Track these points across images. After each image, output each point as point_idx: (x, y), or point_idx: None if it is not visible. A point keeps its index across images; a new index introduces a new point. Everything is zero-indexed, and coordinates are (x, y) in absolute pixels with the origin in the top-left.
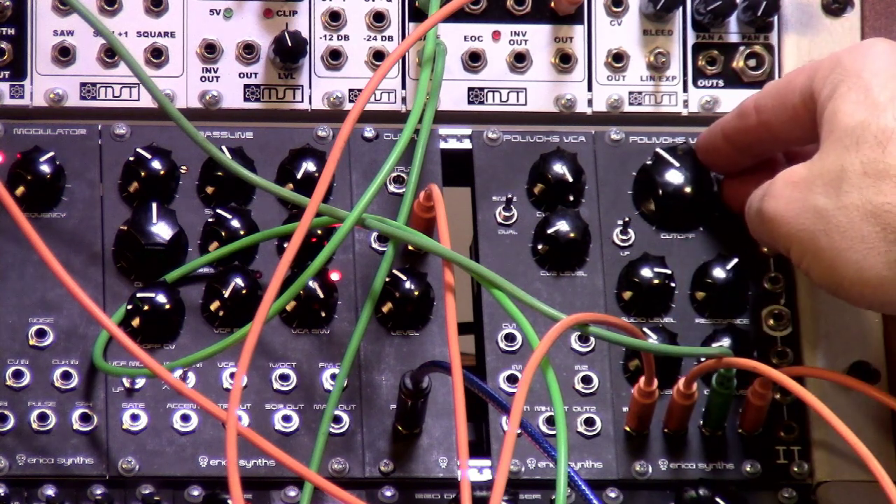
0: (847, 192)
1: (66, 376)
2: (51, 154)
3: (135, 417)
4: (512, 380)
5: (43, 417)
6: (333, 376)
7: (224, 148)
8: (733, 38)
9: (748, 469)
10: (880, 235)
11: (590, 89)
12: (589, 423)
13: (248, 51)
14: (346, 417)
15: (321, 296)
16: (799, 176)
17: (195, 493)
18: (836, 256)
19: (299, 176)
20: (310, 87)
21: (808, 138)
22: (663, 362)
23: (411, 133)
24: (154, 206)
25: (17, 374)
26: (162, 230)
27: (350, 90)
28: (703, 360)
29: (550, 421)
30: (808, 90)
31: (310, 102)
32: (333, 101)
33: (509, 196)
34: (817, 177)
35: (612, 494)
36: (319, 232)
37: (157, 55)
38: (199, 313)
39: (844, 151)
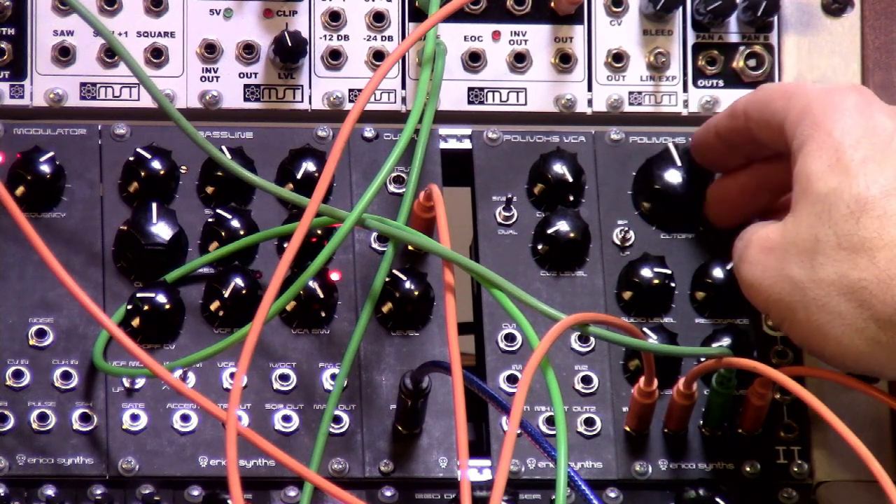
0: (822, 264)
1: (66, 376)
2: (51, 154)
3: (135, 417)
4: (512, 380)
5: (43, 417)
6: (333, 376)
7: (224, 148)
8: (733, 38)
9: (748, 469)
10: (857, 312)
11: (590, 89)
12: (589, 423)
13: (248, 51)
14: (346, 417)
15: (321, 296)
16: (773, 242)
17: (195, 493)
18: (814, 330)
19: (299, 176)
20: (310, 87)
21: (788, 153)
22: (663, 362)
23: (411, 133)
24: (154, 206)
25: (17, 374)
26: (162, 230)
27: (350, 90)
28: (703, 360)
29: (550, 421)
30: (782, 122)
31: (310, 102)
32: (333, 101)
33: (509, 196)
34: (791, 245)
35: (612, 494)
36: (319, 232)
37: (157, 55)
38: (199, 313)
39: (817, 220)
